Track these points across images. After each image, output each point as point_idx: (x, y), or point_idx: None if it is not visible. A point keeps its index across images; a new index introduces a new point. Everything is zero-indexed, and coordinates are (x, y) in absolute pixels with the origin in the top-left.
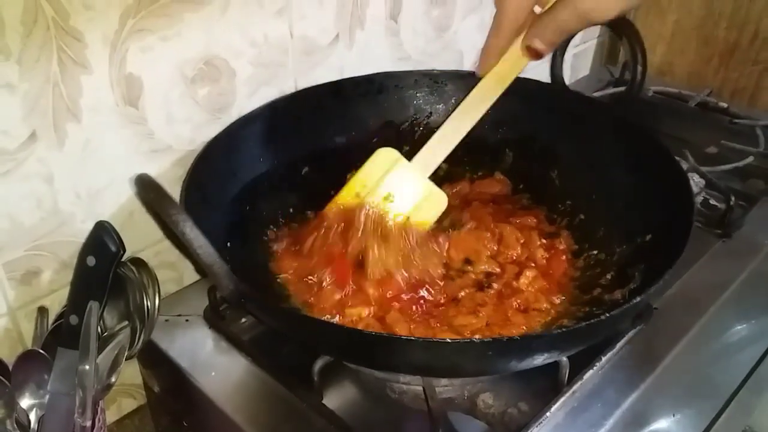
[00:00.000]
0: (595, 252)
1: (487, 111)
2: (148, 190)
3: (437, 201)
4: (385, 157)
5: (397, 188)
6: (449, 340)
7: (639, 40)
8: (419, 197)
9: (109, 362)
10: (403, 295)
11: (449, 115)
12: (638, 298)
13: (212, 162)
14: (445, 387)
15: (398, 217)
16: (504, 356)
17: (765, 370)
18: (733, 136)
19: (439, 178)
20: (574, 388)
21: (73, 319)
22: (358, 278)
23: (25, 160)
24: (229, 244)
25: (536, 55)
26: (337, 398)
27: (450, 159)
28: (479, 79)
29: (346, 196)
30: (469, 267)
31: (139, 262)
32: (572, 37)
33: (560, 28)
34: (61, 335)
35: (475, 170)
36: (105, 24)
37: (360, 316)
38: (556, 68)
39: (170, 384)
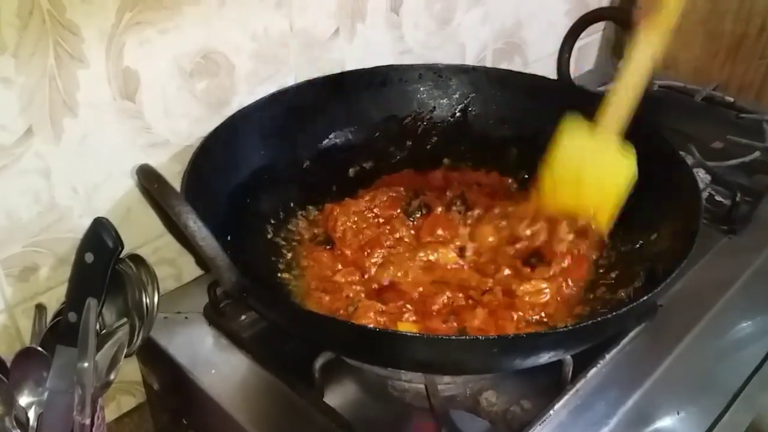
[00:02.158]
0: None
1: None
2: (151, 180)
3: (624, 168)
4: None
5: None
6: (453, 337)
7: None
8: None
9: (108, 360)
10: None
11: (453, 110)
12: (645, 297)
13: (213, 154)
14: (447, 385)
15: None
16: (509, 354)
17: None
18: (740, 130)
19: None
20: (578, 386)
21: (72, 316)
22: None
23: (22, 155)
24: (230, 237)
25: None
26: (338, 396)
27: (452, 155)
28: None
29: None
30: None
31: (137, 259)
32: (577, 37)
33: None
34: (60, 332)
35: (478, 167)
36: (102, 17)
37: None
38: (562, 65)
39: (170, 381)
